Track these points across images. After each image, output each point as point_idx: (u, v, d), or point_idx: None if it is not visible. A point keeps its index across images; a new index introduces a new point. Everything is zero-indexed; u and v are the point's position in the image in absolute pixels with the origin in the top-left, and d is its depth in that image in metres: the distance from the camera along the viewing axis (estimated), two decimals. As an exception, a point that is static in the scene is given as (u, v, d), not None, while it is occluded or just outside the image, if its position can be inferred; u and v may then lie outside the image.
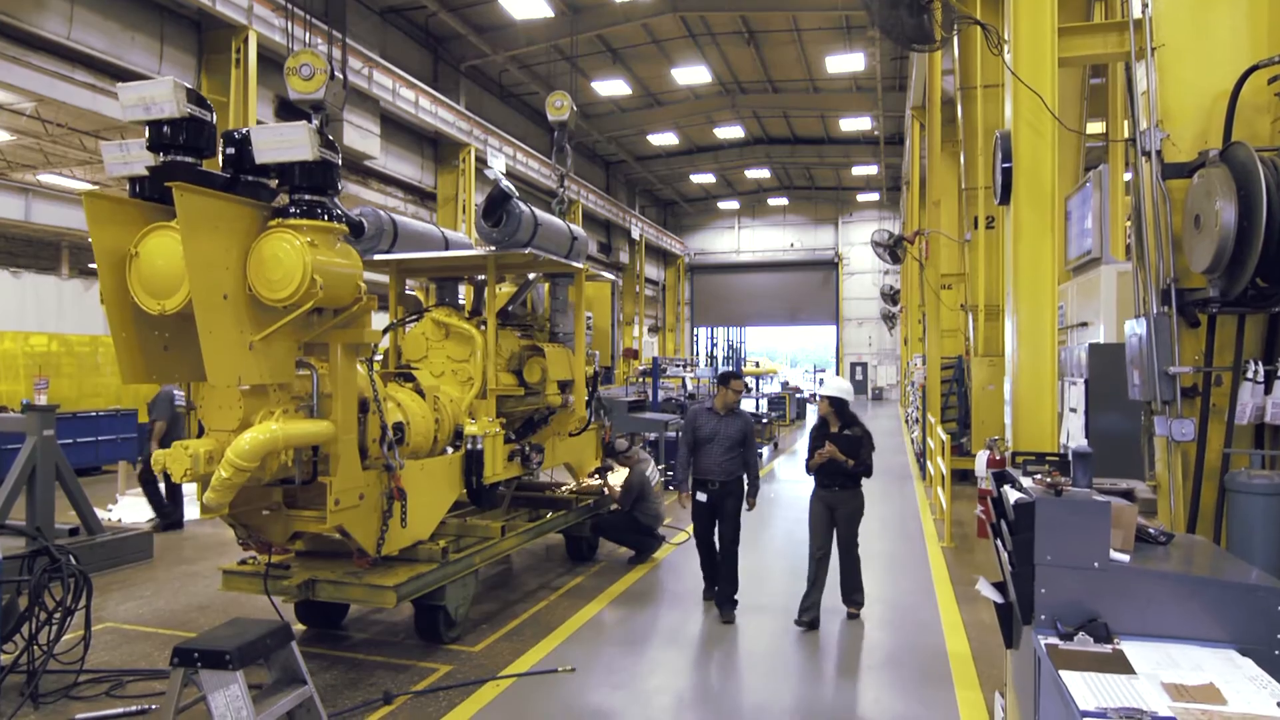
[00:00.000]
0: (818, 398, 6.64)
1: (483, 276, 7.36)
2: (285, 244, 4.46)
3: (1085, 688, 2.69)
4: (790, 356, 38.51)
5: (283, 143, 4.48)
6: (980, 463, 4.36)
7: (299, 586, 5.41)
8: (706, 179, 38.31)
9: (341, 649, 5.88)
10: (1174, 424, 4.17)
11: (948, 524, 9.48)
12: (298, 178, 4.61)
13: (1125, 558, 3.24)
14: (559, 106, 8.94)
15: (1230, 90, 4.22)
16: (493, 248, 6.80)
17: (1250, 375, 4.09)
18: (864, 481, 6.42)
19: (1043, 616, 3.23)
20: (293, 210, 4.58)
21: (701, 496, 6.68)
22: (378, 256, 6.86)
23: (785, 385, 26.50)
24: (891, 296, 30.90)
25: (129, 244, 4.42)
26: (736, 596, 6.66)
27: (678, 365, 18.69)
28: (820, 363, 41.31)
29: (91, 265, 15.86)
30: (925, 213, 16.49)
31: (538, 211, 7.07)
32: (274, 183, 4.81)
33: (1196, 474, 4.34)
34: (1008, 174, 5.28)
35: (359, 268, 4.89)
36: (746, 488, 6.76)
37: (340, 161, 4.74)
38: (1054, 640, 3.10)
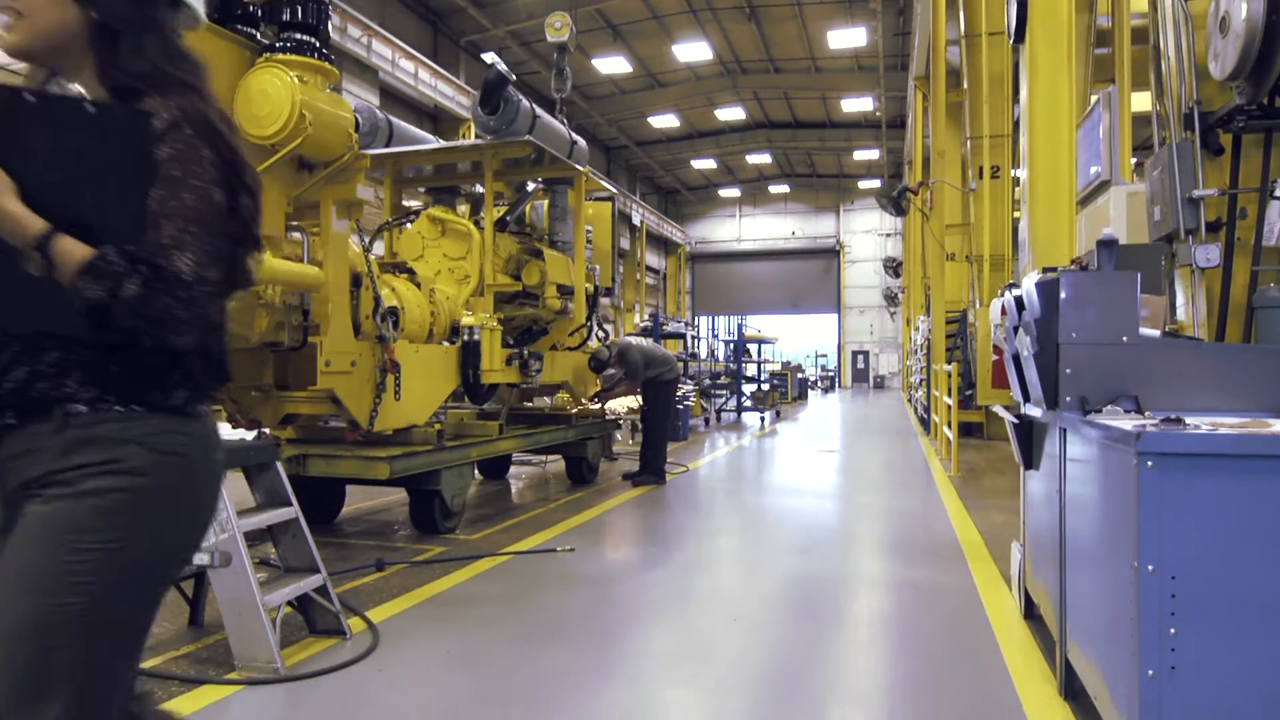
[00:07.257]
0: None
1: (480, 188, 7.21)
2: (273, 79, 4.30)
3: (1122, 422, 2.50)
4: (791, 355, 38.25)
5: (270, -27, 4.32)
6: (994, 309, 4.19)
7: (289, 461, 5.23)
8: (707, 164, 38.18)
9: (334, 537, 5.71)
10: (1198, 250, 4.00)
11: (955, 459, 9.31)
12: (286, 15, 4.45)
13: (1155, 333, 3.06)
14: (558, 27, 8.78)
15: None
16: (489, 137, 6.64)
17: (1278, 194, 3.92)
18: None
19: (1068, 399, 3.03)
20: (280, 45, 4.42)
21: None
22: (372, 152, 6.69)
23: (787, 364, 26.38)
24: (894, 268, 30.73)
25: (111, 79, 4.27)
26: None
27: (678, 323, 18.36)
28: (821, 353, 41.05)
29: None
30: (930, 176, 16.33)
31: (536, 107, 6.91)
32: (260, 33, 4.65)
33: (1222, 309, 4.17)
34: (1023, 7, 5.12)
35: (350, 116, 4.73)
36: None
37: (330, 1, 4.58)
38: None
